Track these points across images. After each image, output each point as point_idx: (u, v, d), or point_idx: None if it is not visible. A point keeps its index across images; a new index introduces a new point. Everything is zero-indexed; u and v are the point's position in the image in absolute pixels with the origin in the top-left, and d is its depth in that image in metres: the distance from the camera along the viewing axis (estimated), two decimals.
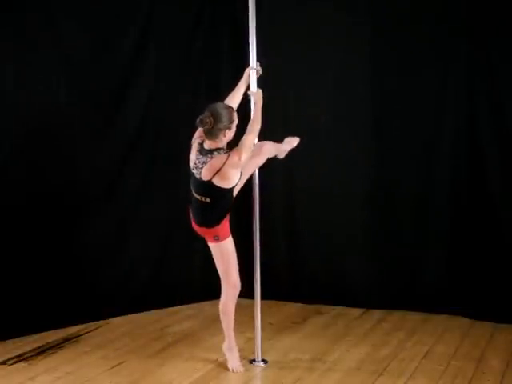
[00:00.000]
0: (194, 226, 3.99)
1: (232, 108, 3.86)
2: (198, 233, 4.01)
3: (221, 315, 4.09)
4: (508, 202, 4.77)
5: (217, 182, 3.76)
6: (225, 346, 4.13)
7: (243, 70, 4.11)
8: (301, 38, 5.23)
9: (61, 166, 4.87)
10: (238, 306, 5.33)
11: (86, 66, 4.93)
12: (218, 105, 3.81)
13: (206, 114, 3.74)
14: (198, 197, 3.85)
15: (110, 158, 5.10)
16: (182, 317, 5.16)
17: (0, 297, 4.60)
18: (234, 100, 4.02)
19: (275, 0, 5.26)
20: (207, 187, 3.79)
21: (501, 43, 4.69)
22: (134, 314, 5.16)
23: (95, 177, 5.03)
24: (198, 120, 3.75)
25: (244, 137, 3.85)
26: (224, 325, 4.09)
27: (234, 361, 4.08)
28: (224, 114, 3.76)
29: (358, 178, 5.21)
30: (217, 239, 3.91)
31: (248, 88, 4.07)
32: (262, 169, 4.10)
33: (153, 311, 5.26)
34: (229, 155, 3.75)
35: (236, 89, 4.06)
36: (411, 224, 5.11)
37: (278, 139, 5.22)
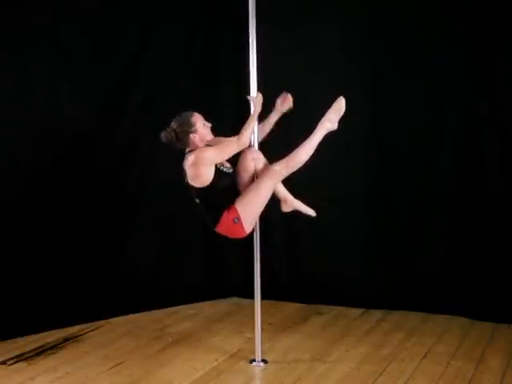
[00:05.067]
0: (224, 234, 3.94)
1: (190, 113, 3.84)
2: (235, 236, 3.93)
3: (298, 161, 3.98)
4: (508, 202, 4.76)
5: (190, 182, 3.80)
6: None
7: (243, 71, 4.10)
8: (301, 38, 5.22)
9: (60, 165, 4.88)
10: (237, 306, 5.38)
11: (87, 67, 4.94)
12: (177, 117, 3.84)
13: (167, 129, 3.82)
14: (195, 199, 3.87)
15: (110, 158, 5.11)
16: (181, 317, 5.16)
17: (0, 297, 4.61)
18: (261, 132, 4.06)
19: (275, 0, 5.25)
20: (191, 188, 3.84)
21: (501, 43, 4.69)
22: (134, 314, 5.17)
23: (95, 177, 5.04)
24: (161, 137, 3.81)
25: (228, 140, 3.87)
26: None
27: None
28: (181, 122, 3.80)
29: (358, 178, 5.21)
30: (237, 221, 3.82)
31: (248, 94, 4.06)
32: None
33: (153, 311, 5.26)
34: (188, 156, 3.79)
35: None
36: (411, 224, 5.10)
37: (278, 139, 5.22)
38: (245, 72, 4.10)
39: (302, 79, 5.25)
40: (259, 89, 4.05)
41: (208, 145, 3.90)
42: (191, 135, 3.81)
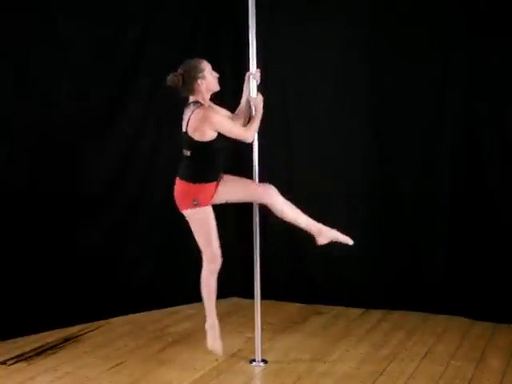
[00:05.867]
0: (175, 190, 3.90)
1: (199, 60, 3.81)
2: (178, 202, 3.89)
3: (201, 289, 4.02)
4: (508, 202, 4.76)
5: (191, 133, 3.75)
6: (207, 323, 4.02)
7: (243, 71, 4.10)
8: (301, 38, 5.22)
9: (61, 165, 4.87)
10: (237, 306, 5.38)
11: (87, 67, 4.94)
12: (184, 63, 3.82)
13: (174, 73, 3.79)
14: (183, 151, 3.85)
15: (111, 158, 5.11)
16: (181, 317, 5.16)
17: (0, 297, 4.61)
18: (239, 113, 4.05)
19: (275, 1, 5.25)
20: (186, 139, 3.80)
21: (501, 43, 4.69)
22: (134, 314, 5.17)
23: (95, 177, 5.04)
24: (167, 80, 3.79)
25: (236, 125, 3.86)
26: (205, 297, 4.01)
27: (214, 340, 4.01)
28: (189, 66, 3.77)
29: (358, 178, 5.21)
30: (196, 204, 3.80)
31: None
32: (261, 170, 4.09)
33: (153, 311, 5.26)
34: (196, 109, 3.75)
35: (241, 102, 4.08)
36: (411, 224, 5.11)
37: (278, 140, 5.20)
38: (245, 72, 4.09)
39: (302, 79, 5.25)
40: (259, 89, 4.05)
41: (210, 106, 3.88)
42: (198, 81, 3.77)
